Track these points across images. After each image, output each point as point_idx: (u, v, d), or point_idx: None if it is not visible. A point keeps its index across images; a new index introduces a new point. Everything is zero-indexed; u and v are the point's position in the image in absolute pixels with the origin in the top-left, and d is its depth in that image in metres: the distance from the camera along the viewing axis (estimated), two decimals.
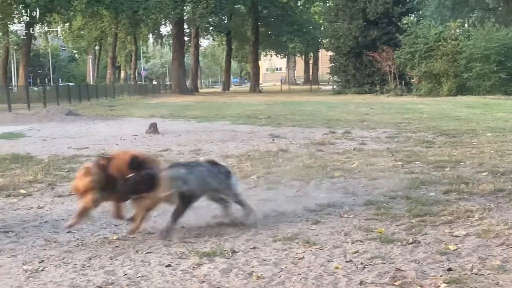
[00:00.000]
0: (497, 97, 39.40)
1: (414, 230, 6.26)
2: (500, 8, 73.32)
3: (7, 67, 65.97)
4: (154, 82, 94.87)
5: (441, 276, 4.86)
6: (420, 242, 5.84)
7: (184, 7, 70.55)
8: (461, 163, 10.61)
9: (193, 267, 5.31)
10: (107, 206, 7.76)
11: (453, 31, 49.04)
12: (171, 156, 12.81)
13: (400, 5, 55.78)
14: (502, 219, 6.57)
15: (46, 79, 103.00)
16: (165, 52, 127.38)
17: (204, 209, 7.10)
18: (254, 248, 5.85)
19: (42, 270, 5.34)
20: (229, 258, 5.52)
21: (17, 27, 69.69)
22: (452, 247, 5.61)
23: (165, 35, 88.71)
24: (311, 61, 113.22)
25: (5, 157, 12.71)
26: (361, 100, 42.56)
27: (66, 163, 12.00)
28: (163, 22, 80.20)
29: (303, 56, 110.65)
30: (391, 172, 9.87)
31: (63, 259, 5.65)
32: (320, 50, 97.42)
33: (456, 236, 6.01)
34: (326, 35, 68.39)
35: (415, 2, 59.04)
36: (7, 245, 6.16)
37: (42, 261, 5.61)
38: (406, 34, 50.36)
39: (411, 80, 51.94)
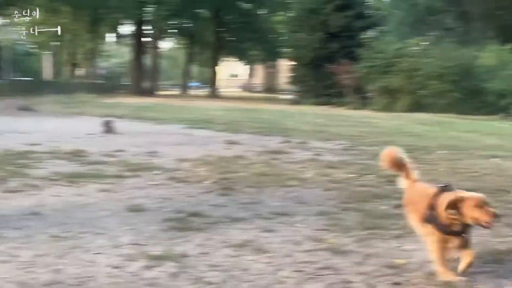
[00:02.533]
0: (451, 116, 39.95)
1: (364, 242, 6.31)
2: (458, 28, 74.55)
3: None
4: (112, 82, 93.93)
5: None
6: (369, 254, 5.88)
7: (146, 8, 70.20)
8: None
9: (142, 269, 5.27)
10: (59, 203, 7.69)
11: (411, 48, 49.70)
12: (126, 157, 12.71)
13: (361, 20, 56.26)
14: None
15: (1, 73, 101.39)
16: (124, 51, 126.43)
17: (155, 212, 7.05)
18: (204, 253, 5.82)
19: None
20: (178, 262, 5.48)
21: None
22: (400, 261, 5.65)
23: (125, 35, 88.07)
24: (271, 70, 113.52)
25: None
26: (319, 111, 42.78)
27: (18, 158, 11.83)
28: (124, 22, 79.69)
29: (264, 64, 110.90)
30: (345, 183, 9.93)
31: (10, 255, 5.56)
32: (281, 59, 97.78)
33: (405, 251, 6.06)
34: (288, 45, 68.57)
35: (376, 18, 59.64)
36: None
37: None
38: (366, 49, 50.85)
39: (369, 94, 52.44)
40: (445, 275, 4.96)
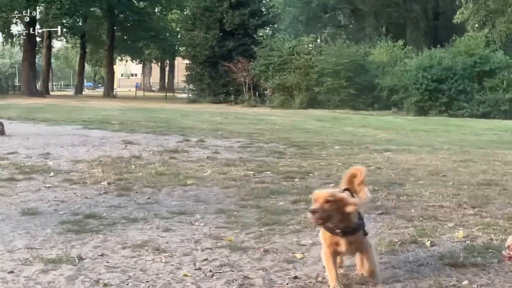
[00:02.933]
0: (346, 111, 40.96)
1: (263, 238, 6.36)
2: (351, 26, 76.39)
3: None
4: (3, 83, 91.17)
5: (287, 284, 4.97)
6: (268, 250, 5.94)
7: (37, 7, 68.35)
8: (310, 174, 10.90)
9: (38, 274, 5.14)
10: None
11: (306, 45, 50.58)
12: (19, 159, 12.36)
13: (256, 18, 56.74)
14: None
15: None
16: (15, 52, 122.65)
17: (50, 215, 6.89)
18: (102, 255, 5.74)
19: None
20: (75, 265, 5.38)
21: None
22: (298, 256, 5.74)
23: (16, 34, 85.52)
24: (167, 69, 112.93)
25: None
26: (215, 109, 42.89)
27: None
28: (15, 21, 77.37)
29: (159, 63, 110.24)
30: (243, 181, 9.99)
31: None
32: (176, 58, 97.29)
33: (303, 245, 6.15)
34: (183, 43, 68.41)
35: (270, 16, 60.25)
36: None
37: None
38: (261, 47, 51.36)
39: (265, 92, 53.02)
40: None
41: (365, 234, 4.86)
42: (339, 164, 12.43)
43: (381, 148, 15.93)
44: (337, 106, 44.91)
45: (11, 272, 5.18)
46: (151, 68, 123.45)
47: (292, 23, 72.13)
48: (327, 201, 4.63)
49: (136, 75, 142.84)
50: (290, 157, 13.69)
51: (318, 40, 65.75)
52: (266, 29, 58.61)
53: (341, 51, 47.08)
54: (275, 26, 61.65)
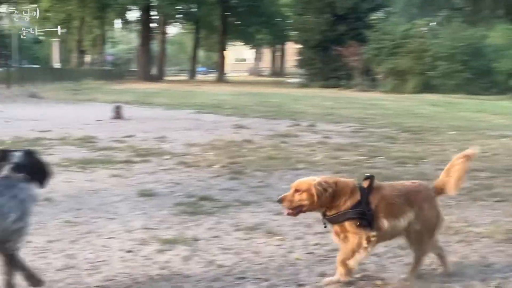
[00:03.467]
0: (460, 96, 39.83)
1: None
2: (467, 8, 74.08)
3: None
4: (120, 68, 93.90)
5: (400, 270, 4.93)
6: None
7: None
8: (423, 160, 10.73)
9: (154, 253, 5.31)
10: (70, 189, 7.75)
11: (420, 29, 49.46)
12: (136, 142, 12.75)
13: (368, 1, 55.97)
14: (462, 216, 6.67)
15: (10, 60, 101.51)
16: (132, 38, 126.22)
17: (166, 197, 7.09)
18: (216, 236, 5.86)
19: None
20: (190, 246, 5.52)
21: None
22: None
23: (132, 20, 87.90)
24: (278, 53, 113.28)
25: None
26: (326, 94, 42.69)
27: (28, 145, 11.86)
28: (131, 8, 79.52)
29: (271, 48, 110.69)
30: (354, 166, 9.94)
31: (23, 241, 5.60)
32: (287, 43, 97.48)
33: None
34: (294, 28, 68.30)
35: None
36: None
37: None
38: (373, 30, 50.64)
39: (377, 76, 52.29)
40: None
41: (361, 225, 4.49)
42: (453, 150, 12.14)
43: (497, 134, 15.47)
44: (452, 90, 43.69)
45: (130, 251, 5.37)
46: (262, 53, 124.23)
47: (405, 6, 70.67)
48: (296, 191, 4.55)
49: (247, 60, 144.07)
50: (403, 142, 13.51)
51: (433, 23, 64.22)
52: (378, 13, 57.69)
53: (457, 34, 45.73)
54: (388, 9, 60.58)
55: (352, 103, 30.10)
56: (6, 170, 4.18)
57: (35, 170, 4.29)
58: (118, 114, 18.67)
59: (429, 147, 12.61)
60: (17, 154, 4.29)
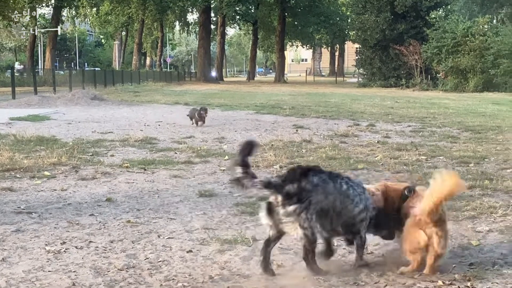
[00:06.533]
0: None
1: None
2: None
3: (34, 50, 66.43)
4: (180, 70, 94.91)
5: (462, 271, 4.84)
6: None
7: None
8: (485, 159, 10.53)
9: (214, 253, 5.33)
10: (131, 190, 7.85)
11: (481, 26, 48.64)
12: (195, 143, 12.85)
13: None
14: None
15: (72, 63, 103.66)
16: (191, 39, 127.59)
17: (225, 197, 7.11)
18: None
19: (64, 251, 5.39)
20: (250, 246, 5.53)
21: (45, 11, 70.07)
22: (474, 243, 5.58)
23: (191, 22, 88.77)
24: (337, 53, 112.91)
25: (30, 139, 12.82)
26: (386, 93, 42.35)
27: (90, 147, 12.08)
28: (190, 10, 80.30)
29: (329, 48, 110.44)
30: (415, 166, 9.81)
31: (85, 241, 5.70)
32: (346, 42, 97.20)
33: (479, 232, 5.97)
34: (353, 27, 68.08)
35: None
36: (30, 226, 6.21)
37: (64, 242, 5.65)
38: (433, 29, 50.04)
39: (438, 75, 51.64)
40: None
41: None
42: None
43: None
44: None
45: (190, 251, 5.40)
46: (321, 53, 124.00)
47: (466, 3, 69.56)
48: None
49: (306, 60, 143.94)
50: (464, 142, 13.29)
51: (494, 21, 63.07)
52: (438, 11, 56.92)
53: None
54: (448, 7, 59.71)
55: (412, 102, 29.77)
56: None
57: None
58: (202, 119, 16.97)
59: (492, 146, 12.38)
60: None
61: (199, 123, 16.88)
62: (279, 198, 4.53)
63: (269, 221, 4.66)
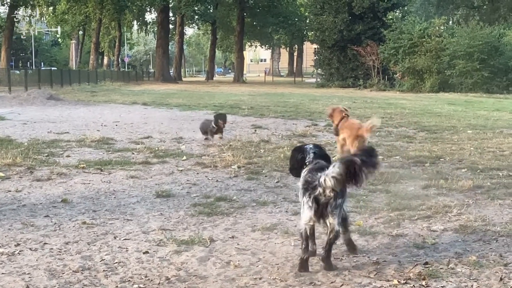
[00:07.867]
0: (479, 95, 39.62)
1: (392, 223, 6.29)
2: (484, 7, 73.66)
3: None
4: (137, 69, 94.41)
5: (416, 266, 4.89)
6: (398, 235, 5.86)
7: None
8: (441, 159, 10.66)
9: (171, 254, 5.30)
10: (87, 191, 7.77)
11: (437, 27, 49.21)
12: (153, 143, 12.77)
13: (385, 0, 55.82)
14: (480, 215, 6.61)
15: (28, 63, 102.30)
16: (149, 39, 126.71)
17: (183, 198, 7.08)
18: (232, 237, 5.85)
19: (18, 253, 5.31)
20: (207, 247, 5.51)
21: (0, 9, 68.99)
22: (429, 242, 5.63)
23: (149, 22, 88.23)
24: (295, 53, 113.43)
25: None
26: (344, 93, 42.65)
27: (46, 147, 11.93)
28: (148, 9, 79.84)
29: (288, 48, 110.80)
30: None
31: (40, 243, 5.62)
32: (305, 43, 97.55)
33: (434, 231, 6.04)
34: (311, 28, 68.29)
35: None
36: None
37: (19, 244, 5.57)
38: (390, 30, 50.49)
39: (394, 76, 52.17)
40: None
41: None
42: (471, 149, 12.09)
43: None
44: (470, 89, 43.49)
45: (146, 252, 5.37)
46: (279, 53, 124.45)
47: (422, 5, 70.50)
48: None
49: (265, 60, 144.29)
50: (420, 142, 13.44)
51: (450, 22, 63.96)
52: (395, 12, 57.54)
53: (474, 33, 45.39)
54: (405, 8, 60.36)
55: (370, 102, 30.01)
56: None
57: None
58: (219, 130, 13.53)
59: (447, 146, 12.53)
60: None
61: (216, 135, 13.42)
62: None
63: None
